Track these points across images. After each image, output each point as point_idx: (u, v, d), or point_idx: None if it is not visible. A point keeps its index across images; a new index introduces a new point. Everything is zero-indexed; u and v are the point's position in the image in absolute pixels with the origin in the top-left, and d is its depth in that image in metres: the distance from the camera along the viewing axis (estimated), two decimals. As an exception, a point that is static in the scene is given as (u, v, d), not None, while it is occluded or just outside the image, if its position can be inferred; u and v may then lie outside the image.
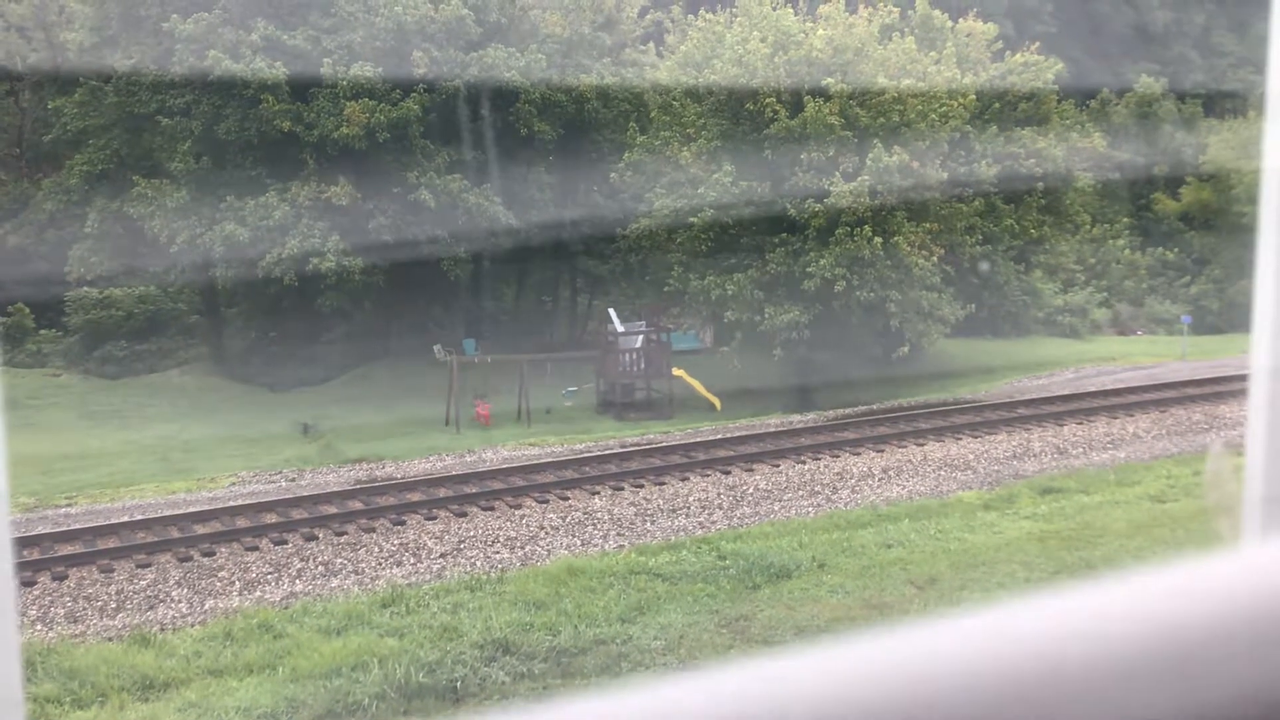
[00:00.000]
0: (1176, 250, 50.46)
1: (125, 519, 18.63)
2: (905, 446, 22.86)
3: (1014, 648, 0.70)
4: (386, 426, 28.52)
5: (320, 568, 16.48)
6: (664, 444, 23.70)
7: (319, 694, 12.16)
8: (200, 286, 37.59)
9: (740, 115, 30.87)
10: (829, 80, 29.54)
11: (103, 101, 35.62)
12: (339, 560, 16.71)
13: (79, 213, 35.71)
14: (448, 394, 29.75)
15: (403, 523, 18.05)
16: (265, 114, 32.63)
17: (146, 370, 37.30)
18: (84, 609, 15.08)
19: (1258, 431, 1.30)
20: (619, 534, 18.06)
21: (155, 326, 38.86)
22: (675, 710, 0.64)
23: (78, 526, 18.05)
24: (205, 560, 16.51)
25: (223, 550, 16.86)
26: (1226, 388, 27.78)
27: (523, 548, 17.43)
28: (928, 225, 29.86)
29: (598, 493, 19.67)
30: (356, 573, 16.41)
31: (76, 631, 14.48)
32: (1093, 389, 29.37)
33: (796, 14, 32.47)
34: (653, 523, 18.57)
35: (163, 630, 14.54)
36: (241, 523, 18.06)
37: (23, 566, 15.60)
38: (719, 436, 24.31)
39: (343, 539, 17.42)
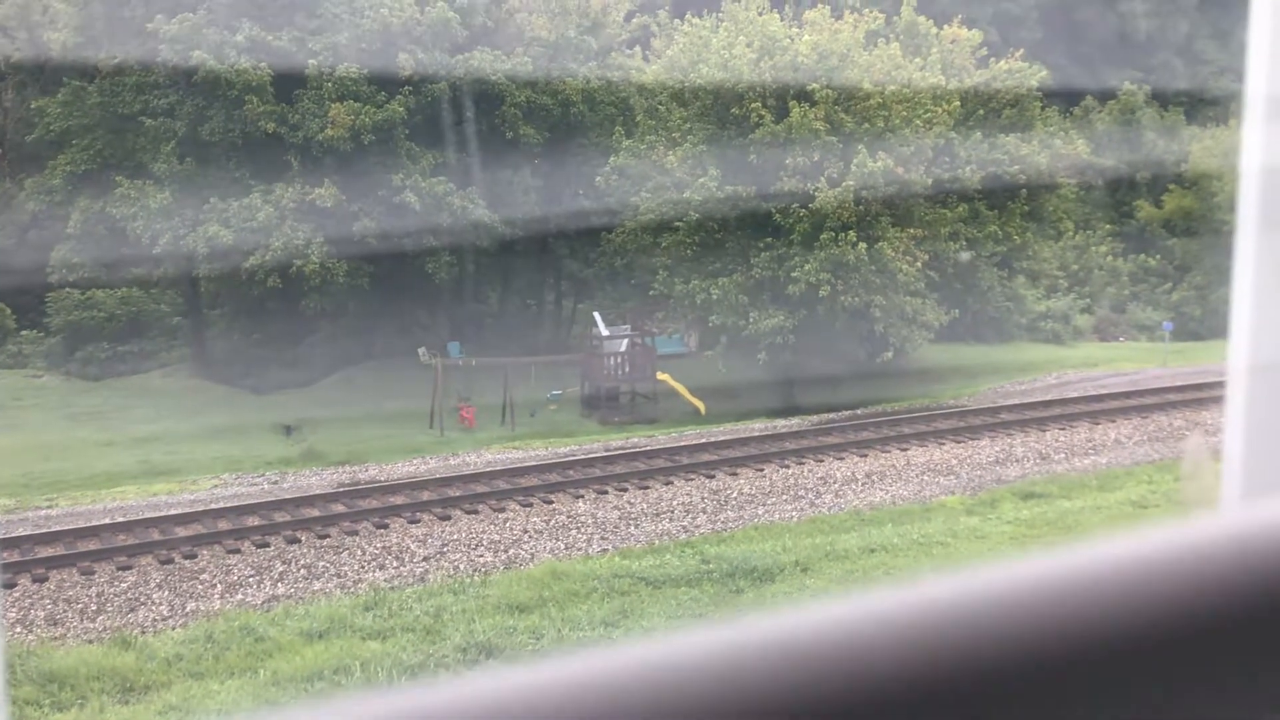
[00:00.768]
0: (1158, 257, 50.70)
1: (106, 521, 18.52)
2: (889, 451, 22.91)
3: (994, 610, 0.71)
4: (370, 429, 28.45)
5: (302, 570, 16.43)
6: (648, 448, 23.70)
7: (301, 697, 12.12)
8: (183, 288, 37.47)
9: (726, 119, 30.92)
10: (814, 85, 29.62)
11: (86, 102, 35.46)
12: (321, 563, 16.66)
13: (61, 213, 35.51)
14: (432, 396, 29.70)
15: (386, 526, 18.01)
16: (249, 115, 32.54)
17: (129, 372, 37.10)
18: (64, 611, 14.99)
19: (1237, 403, 1.31)
20: (603, 537, 18.06)
21: (138, 328, 38.67)
22: (674, 663, 0.65)
23: (58, 528, 17.94)
24: (187, 563, 16.44)
25: (204, 553, 16.79)
26: (1208, 394, 27.94)
27: (506, 551, 17.41)
28: (912, 230, 29.97)
29: (582, 496, 19.67)
30: (339, 576, 16.36)
31: (56, 634, 14.40)
32: (1075, 394, 29.49)
33: (782, 19, 32.55)
34: (636, 526, 18.57)
35: (143, 633, 14.47)
36: (223, 525, 17.98)
37: (3, 568, 15.51)
38: (703, 440, 24.33)
39: (325, 542, 17.37)
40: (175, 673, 12.99)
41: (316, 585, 16.01)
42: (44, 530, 17.85)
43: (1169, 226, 51.47)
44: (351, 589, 15.84)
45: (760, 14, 31.96)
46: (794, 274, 29.06)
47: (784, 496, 20.21)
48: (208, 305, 38.90)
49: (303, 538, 17.44)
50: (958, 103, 31.78)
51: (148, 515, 18.82)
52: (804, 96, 29.62)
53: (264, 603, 15.45)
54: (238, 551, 16.87)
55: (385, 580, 16.16)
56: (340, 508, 18.92)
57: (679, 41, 34.29)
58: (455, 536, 17.73)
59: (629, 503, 19.44)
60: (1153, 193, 52.11)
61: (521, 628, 13.88)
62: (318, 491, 20.44)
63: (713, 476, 20.98)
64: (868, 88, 29.97)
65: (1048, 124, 37.27)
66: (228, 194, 32.56)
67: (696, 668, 0.64)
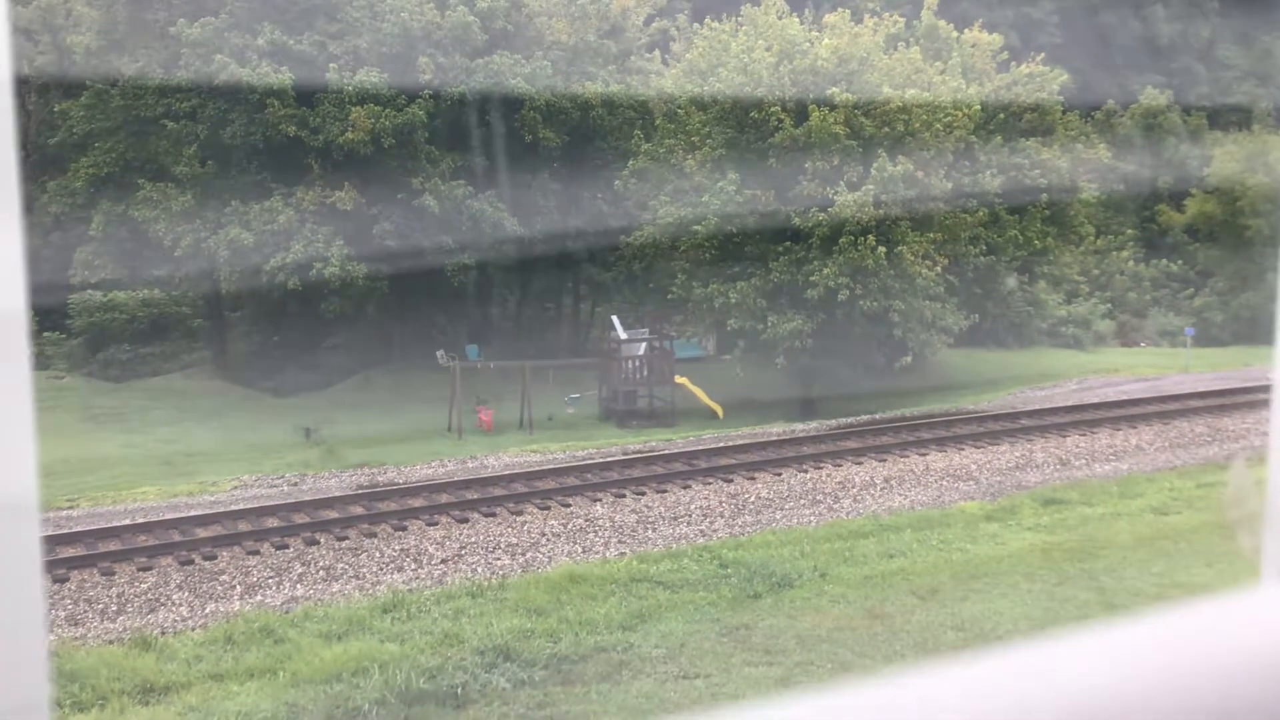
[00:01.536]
0: (1180, 262, 50.46)
1: (127, 522, 18.62)
2: (908, 456, 22.84)
3: (1035, 691, 0.69)
4: (389, 432, 28.53)
5: (321, 572, 16.47)
6: (666, 451, 23.69)
7: (319, 699, 12.15)
8: (204, 290, 37.61)
9: (745, 124, 30.89)
10: (834, 90, 29.56)
11: (109, 105, 35.69)
12: (340, 565, 16.70)
13: (84, 216, 35.77)
14: (450, 400, 29.76)
15: (404, 528, 18.04)
16: (270, 119, 32.70)
17: (150, 374, 37.31)
18: (85, 612, 15.07)
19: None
20: (620, 541, 18.05)
21: (159, 330, 38.88)
22: None
23: (79, 529, 18.03)
24: (206, 564, 16.51)
25: (224, 554, 16.85)
26: (1230, 400, 27.76)
27: (524, 554, 17.42)
28: (932, 235, 29.85)
29: (599, 500, 19.66)
30: (357, 578, 16.40)
31: (77, 634, 14.47)
32: (1096, 400, 29.35)
33: (802, 23, 32.51)
34: (654, 530, 18.55)
35: (163, 634, 14.53)
36: (243, 527, 18.05)
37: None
38: (721, 444, 24.30)
39: (344, 544, 17.41)
40: (195, 674, 13.03)
41: (335, 587, 16.05)
42: (65, 531, 17.95)
43: (1191, 232, 51.23)
44: (370, 591, 15.87)
45: (780, 18, 31.92)
46: (812, 278, 29.00)
47: (802, 501, 20.16)
48: (228, 308, 39.09)
49: (321, 539, 17.49)
50: (978, 107, 31.67)
51: (168, 516, 18.92)
52: (824, 101, 29.56)
53: (283, 604, 15.49)
54: (257, 553, 16.93)
55: (403, 583, 16.18)
56: (359, 510, 18.97)
57: (698, 45, 34.30)
58: (473, 539, 17.75)
59: (646, 506, 19.43)
60: (1175, 198, 51.83)
61: (539, 631, 13.88)
62: (337, 493, 20.50)
63: (730, 480, 20.95)
64: (888, 92, 29.90)
65: (1069, 129, 37.09)
66: (249, 197, 32.74)
67: None
